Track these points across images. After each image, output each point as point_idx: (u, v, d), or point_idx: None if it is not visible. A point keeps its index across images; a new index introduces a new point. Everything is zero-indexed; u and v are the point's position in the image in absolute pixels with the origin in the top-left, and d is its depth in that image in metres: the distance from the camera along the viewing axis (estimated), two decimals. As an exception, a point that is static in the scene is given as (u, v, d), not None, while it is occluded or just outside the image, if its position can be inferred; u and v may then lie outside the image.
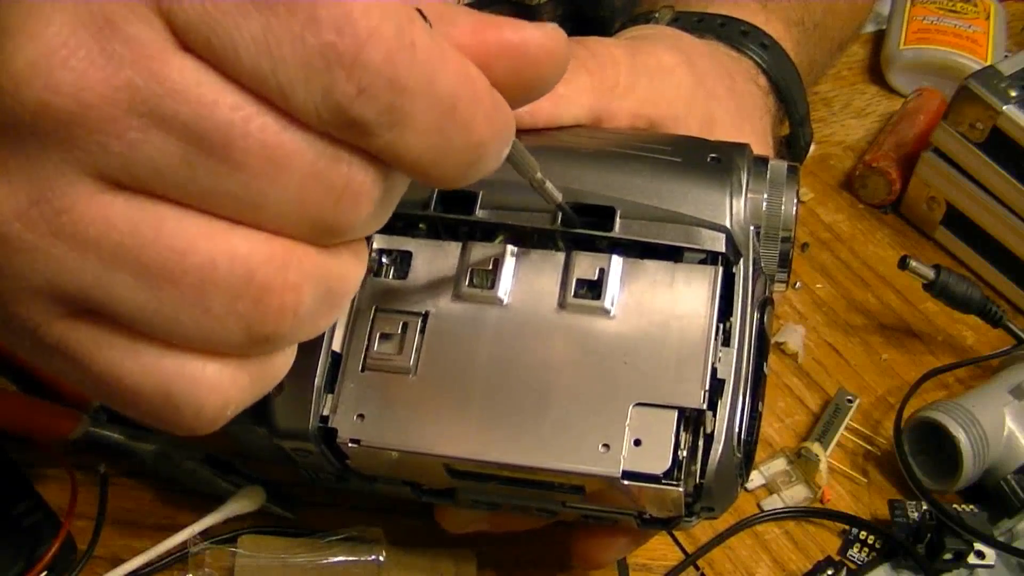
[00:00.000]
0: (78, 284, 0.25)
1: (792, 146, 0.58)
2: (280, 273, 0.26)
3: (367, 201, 0.26)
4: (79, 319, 0.26)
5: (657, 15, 0.56)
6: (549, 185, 0.35)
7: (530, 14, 0.75)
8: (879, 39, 0.83)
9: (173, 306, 0.25)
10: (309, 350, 0.39)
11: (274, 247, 0.26)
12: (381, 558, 0.49)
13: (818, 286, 0.67)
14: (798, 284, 0.66)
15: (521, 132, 0.41)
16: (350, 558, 0.49)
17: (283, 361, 0.29)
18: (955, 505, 0.54)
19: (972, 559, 0.52)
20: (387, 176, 0.26)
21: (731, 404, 0.38)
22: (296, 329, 0.27)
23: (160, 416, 0.28)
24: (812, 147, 0.61)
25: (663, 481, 0.37)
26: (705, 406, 0.37)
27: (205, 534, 0.50)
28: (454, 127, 0.26)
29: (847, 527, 0.55)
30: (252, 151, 0.24)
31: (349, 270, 0.28)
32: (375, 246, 0.41)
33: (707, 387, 0.37)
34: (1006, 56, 0.77)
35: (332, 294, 0.28)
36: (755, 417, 0.39)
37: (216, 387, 0.27)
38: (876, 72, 0.82)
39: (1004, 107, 0.63)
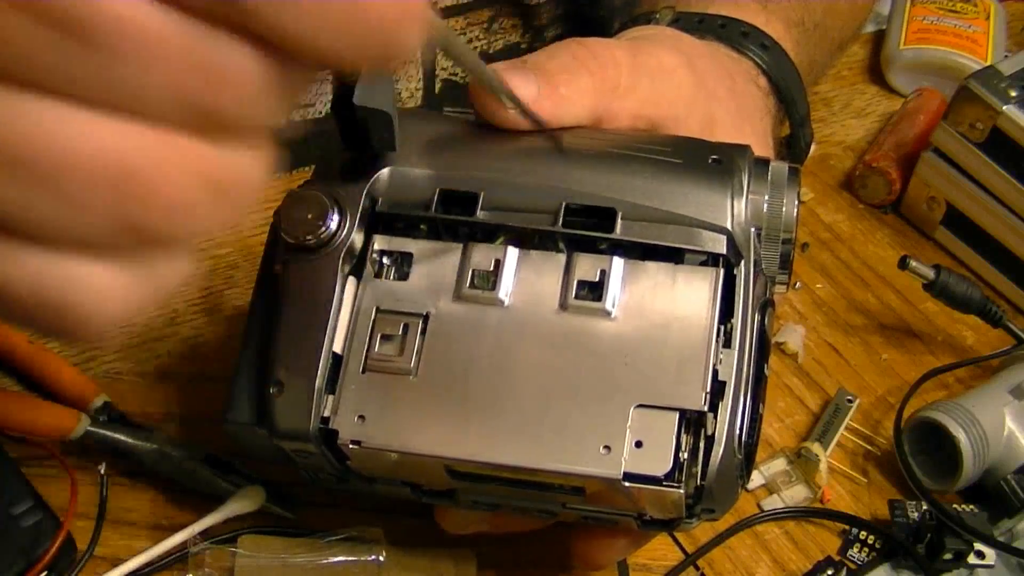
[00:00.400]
0: None
1: (792, 147, 0.58)
2: (159, 166, 0.24)
3: (250, 85, 0.24)
4: None
5: (658, 16, 0.56)
6: (489, 73, 0.34)
7: (530, 13, 0.75)
8: (879, 39, 0.83)
9: (46, 203, 0.24)
10: (310, 351, 0.39)
11: (152, 138, 0.24)
12: (381, 558, 0.49)
13: (818, 286, 0.67)
14: (798, 284, 0.66)
15: (523, 134, 0.42)
16: (350, 558, 0.49)
17: (178, 267, 0.28)
18: (955, 505, 0.54)
19: (972, 559, 0.52)
20: (272, 57, 0.24)
21: (732, 406, 0.38)
22: (181, 226, 0.25)
23: (45, 323, 0.26)
24: (812, 147, 0.61)
25: (664, 483, 0.37)
26: (706, 408, 0.37)
27: (205, 534, 0.50)
28: None
29: (847, 527, 0.55)
30: (118, 32, 0.22)
31: (242, 166, 0.27)
32: (376, 247, 0.41)
33: (708, 389, 0.37)
34: (1006, 56, 0.77)
35: (222, 191, 0.26)
36: (756, 419, 0.39)
37: (103, 290, 0.26)
38: (876, 72, 0.82)
39: (1004, 107, 0.63)
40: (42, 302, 0.25)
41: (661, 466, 0.37)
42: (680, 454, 0.37)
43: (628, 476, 0.37)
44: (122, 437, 0.52)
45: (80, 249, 0.25)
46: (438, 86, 0.73)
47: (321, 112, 0.70)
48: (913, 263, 0.60)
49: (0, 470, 0.50)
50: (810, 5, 0.62)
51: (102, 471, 0.51)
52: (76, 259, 0.25)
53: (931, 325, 0.65)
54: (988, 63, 0.75)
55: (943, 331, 0.65)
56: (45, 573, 0.47)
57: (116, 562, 0.49)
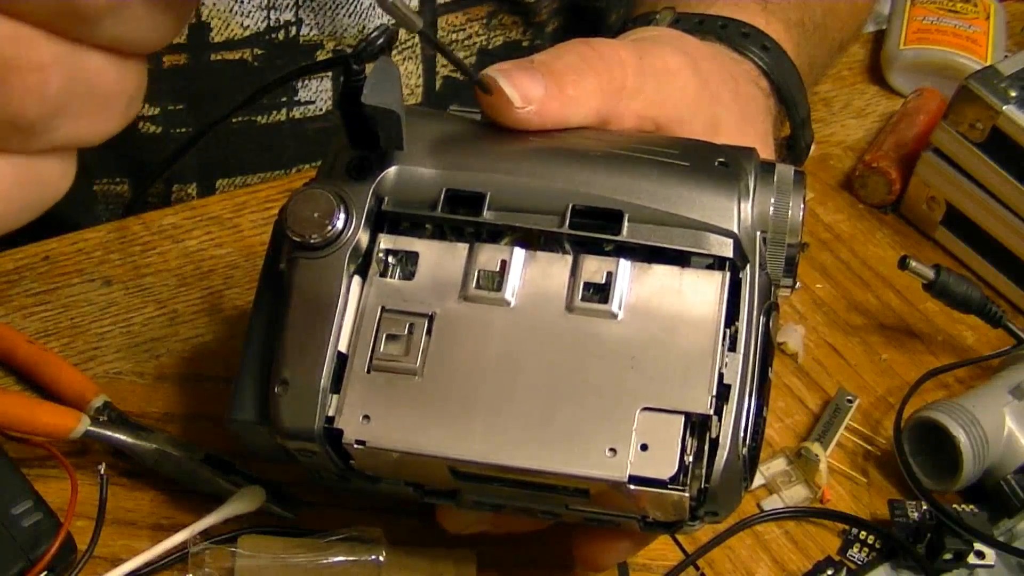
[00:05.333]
0: None
1: (793, 148, 0.58)
2: (23, 52, 0.26)
3: None
4: None
5: (657, 16, 0.56)
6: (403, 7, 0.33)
7: (529, 9, 0.75)
8: (879, 39, 0.83)
9: None
10: (314, 350, 0.39)
11: (16, 28, 0.25)
12: (381, 558, 0.49)
13: (818, 286, 0.67)
14: (798, 284, 0.66)
15: (530, 134, 0.42)
16: (350, 558, 0.49)
17: (56, 168, 0.29)
18: (955, 505, 0.54)
19: (972, 559, 0.52)
20: None
21: (737, 409, 0.38)
22: (49, 116, 0.27)
23: None
24: (812, 147, 0.61)
25: (669, 486, 0.37)
26: (712, 412, 0.37)
27: (205, 534, 0.50)
28: None
29: (847, 527, 0.55)
30: None
31: (108, 69, 0.28)
32: (382, 246, 0.41)
33: (714, 393, 0.37)
34: (1006, 56, 0.77)
35: (89, 89, 0.27)
36: (760, 422, 0.39)
37: None
38: (876, 72, 0.82)
39: (1004, 107, 0.63)
40: None
41: (666, 469, 0.37)
42: (685, 457, 0.37)
43: (633, 479, 0.37)
44: (122, 437, 0.51)
45: None
46: (439, 83, 0.73)
47: (321, 110, 0.70)
48: (913, 263, 0.60)
49: (0, 470, 0.49)
50: (810, 6, 0.62)
51: (102, 471, 0.51)
52: None
53: (931, 325, 0.65)
54: (988, 63, 0.75)
55: (943, 331, 0.65)
56: (45, 573, 0.47)
57: (116, 562, 0.49)
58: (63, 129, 0.28)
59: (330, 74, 0.69)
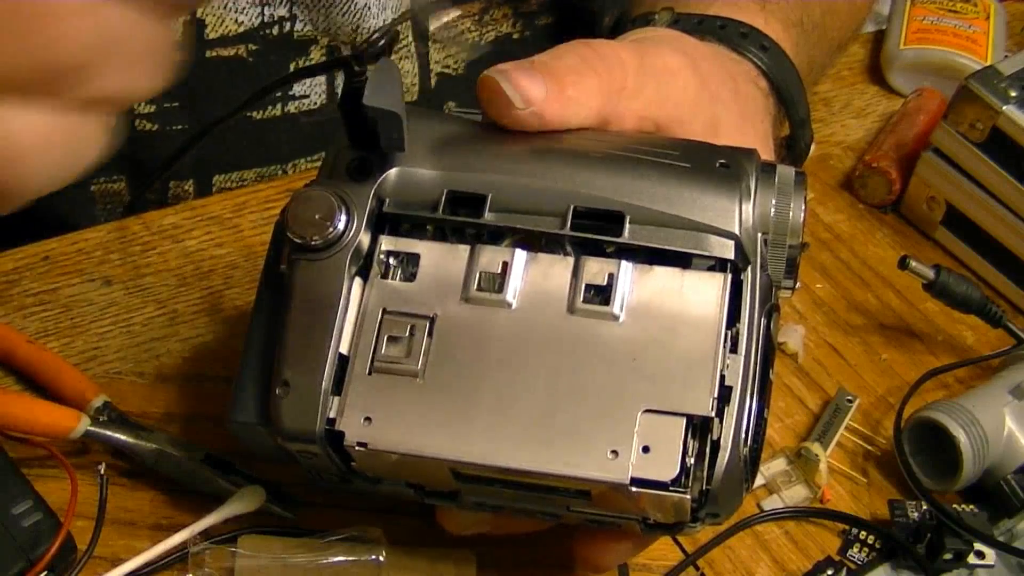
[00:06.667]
0: None
1: (792, 148, 0.58)
2: (57, 8, 0.27)
3: None
4: None
5: (657, 17, 0.56)
6: None
7: (521, 6, 0.75)
8: (879, 39, 0.83)
9: None
10: (316, 352, 0.39)
11: None
12: (381, 558, 0.49)
13: (818, 286, 0.67)
14: (798, 284, 0.66)
15: (531, 136, 0.42)
16: (350, 558, 0.49)
17: (91, 127, 0.30)
18: (955, 505, 0.54)
19: (972, 559, 0.52)
20: None
21: (738, 411, 0.38)
22: (80, 65, 0.28)
23: None
24: (812, 147, 0.61)
25: (671, 488, 0.37)
26: (713, 413, 0.37)
27: (205, 534, 0.50)
28: None
29: (847, 527, 0.55)
30: None
31: (139, 24, 0.29)
32: (383, 248, 0.40)
33: (716, 394, 0.37)
34: (1006, 56, 0.77)
35: (120, 42, 0.29)
36: (761, 423, 0.39)
37: (27, 128, 0.29)
38: (876, 72, 0.82)
39: (1004, 107, 0.63)
40: None
41: (668, 471, 0.37)
42: (686, 459, 0.37)
43: (635, 481, 0.37)
44: (122, 437, 0.51)
45: (7, 91, 0.28)
46: (433, 80, 0.73)
47: (316, 103, 0.70)
48: (913, 263, 0.60)
49: (0, 470, 0.49)
50: (808, 5, 0.62)
51: (102, 471, 0.51)
52: (8, 102, 0.28)
53: (931, 325, 0.65)
54: (988, 63, 0.75)
55: (943, 331, 0.65)
56: (45, 573, 0.47)
57: (116, 562, 0.49)
58: (96, 82, 0.29)
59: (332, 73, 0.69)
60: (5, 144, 0.29)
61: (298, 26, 0.67)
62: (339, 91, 0.67)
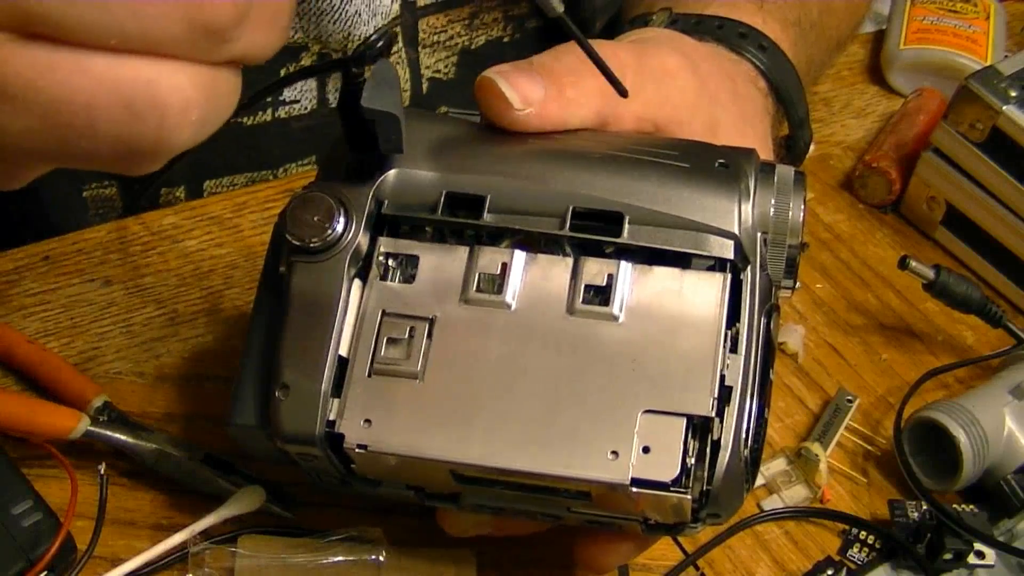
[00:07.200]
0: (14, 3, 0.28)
1: (791, 147, 0.58)
2: None
3: None
4: (24, 43, 0.29)
5: (655, 17, 0.56)
6: None
7: (511, 10, 0.74)
8: (879, 39, 0.83)
9: (111, 6, 0.28)
10: (315, 354, 0.39)
11: None
12: (381, 558, 0.49)
13: (818, 286, 0.67)
14: (798, 284, 0.66)
15: (529, 136, 0.42)
16: (350, 558, 0.49)
17: (229, 83, 0.32)
18: (955, 505, 0.54)
19: (972, 559, 0.52)
20: None
21: (738, 411, 0.38)
22: (236, 23, 0.30)
23: (124, 130, 0.30)
24: (812, 147, 0.61)
25: (671, 489, 0.37)
26: (714, 414, 0.37)
27: (205, 534, 0.50)
28: None
29: (847, 527, 0.55)
30: None
31: None
32: (382, 249, 0.40)
33: (716, 395, 0.37)
34: (1006, 56, 0.77)
35: (260, 6, 0.31)
36: (761, 424, 0.39)
37: (175, 87, 0.30)
38: (876, 72, 0.82)
39: (1004, 107, 0.63)
40: (119, 107, 0.30)
41: (669, 472, 0.37)
42: (687, 459, 0.37)
43: (636, 482, 0.37)
44: (122, 437, 0.51)
45: (147, 49, 0.30)
46: (425, 85, 0.73)
47: (306, 108, 0.70)
48: (913, 263, 0.60)
49: (0, 470, 0.49)
50: (806, 4, 0.62)
51: (102, 471, 0.51)
52: (146, 60, 0.30)
53: (931, 325, 0.65)
54: (988, 63, 0.75)
55: (943, 331, 0.65)
56: (45, 573, 0.47)
57: (116, 562, 0.49)
58: (243, 39, 0.31)
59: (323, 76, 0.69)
60: (155, 104, 0.30)
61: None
62: (330, 96, 0.67)
